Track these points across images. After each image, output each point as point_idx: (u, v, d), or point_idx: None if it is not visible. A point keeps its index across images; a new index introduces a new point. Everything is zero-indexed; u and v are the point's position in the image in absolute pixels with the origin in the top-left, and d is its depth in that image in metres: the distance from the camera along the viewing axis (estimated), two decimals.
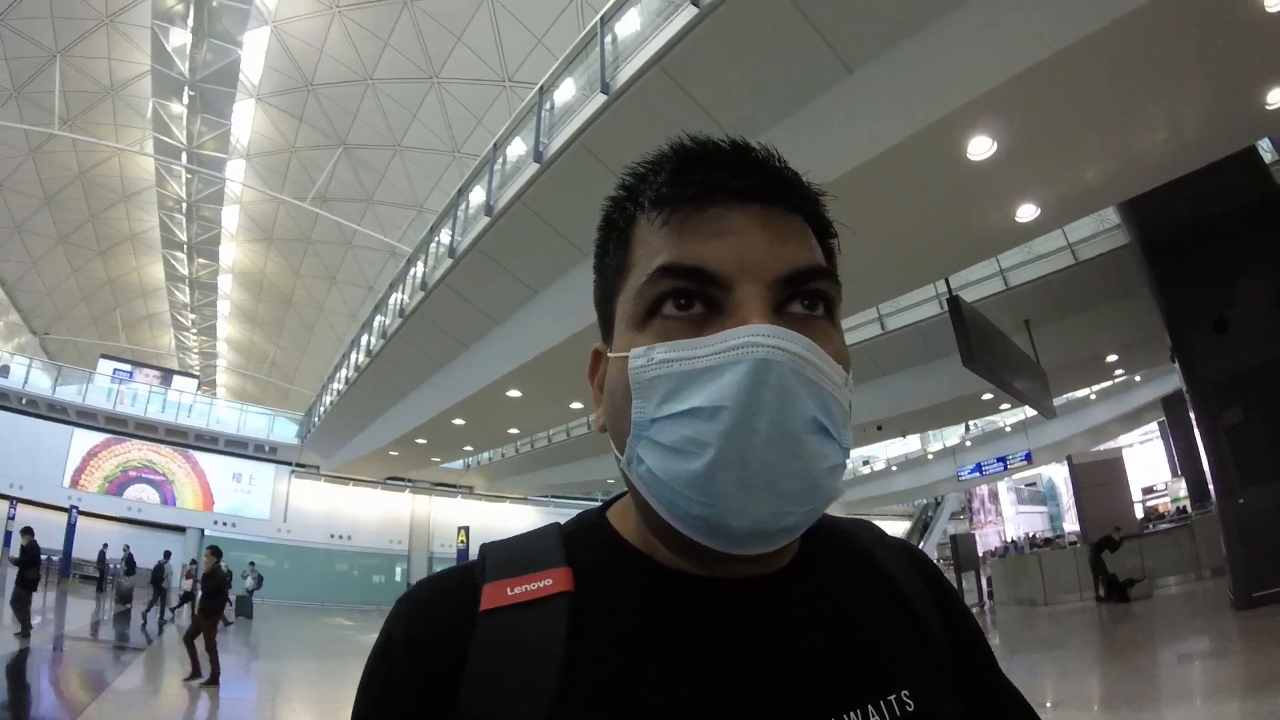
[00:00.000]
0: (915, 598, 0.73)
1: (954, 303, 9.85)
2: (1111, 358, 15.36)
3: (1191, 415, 11.17)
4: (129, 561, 20.51)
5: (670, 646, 0.61)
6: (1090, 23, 5.51)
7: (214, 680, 9.02)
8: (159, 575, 18.38)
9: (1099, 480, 16.75)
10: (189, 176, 32.44)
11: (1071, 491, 18.83)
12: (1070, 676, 8.30)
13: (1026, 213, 7.75)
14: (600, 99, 7.92)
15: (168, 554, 20.71)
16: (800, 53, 6.73)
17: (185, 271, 39.29)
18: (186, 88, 28.32)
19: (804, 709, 0.60)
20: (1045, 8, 5.71)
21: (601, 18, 8.56)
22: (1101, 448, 25.54)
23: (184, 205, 34.65)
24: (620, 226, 0.68)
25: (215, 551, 10.82)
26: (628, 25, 8.21)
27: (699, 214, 0.61)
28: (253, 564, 22.76)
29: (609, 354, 0.67)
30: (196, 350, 48.35)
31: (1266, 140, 10.78)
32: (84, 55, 25.96)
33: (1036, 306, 13.81)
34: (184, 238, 36.52)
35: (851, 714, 0.60)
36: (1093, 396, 24.82)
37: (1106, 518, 15.89)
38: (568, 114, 8.93)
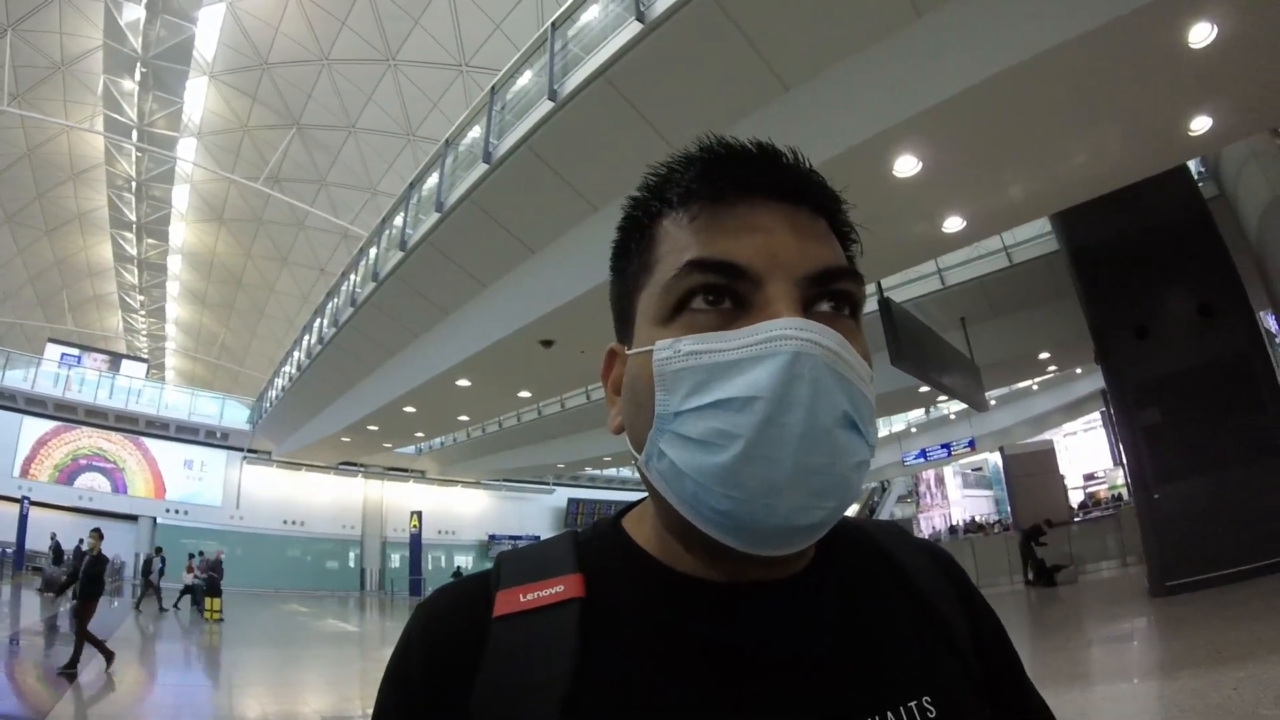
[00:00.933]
0: (938, 601, 0.73)
1: (884, 305, 10.25)
2: (1044, 355, 15.96)
3: (1111, 415, 11.73)
4: (56, 550, 20.36)
5: (683, 650, 0.61)
6: (1016, 54, 5.88)
7: (107, 661, 8.83)
8: (148, 569, 19.22)
9: (1031, 470, 17.42)
10: (139, 155, 31.77)
11: (1004, 481, 19.49)
12: None
13: (953, 224, 8.17)
14: (547, 105, 8.14)
15: (159, 549, 20.90)
16: (740, 70, 7.01)
17: (134, 252, 38.57)
18: (139, 64, 27.73)
19: (821, 715, 0.60)
20: (972, 39, 6.06)
21: (553, 23, 8.76)
22: (1035, 439, 26.43)
23: (134, 184, 33.98)
24: (644, 224, 0.68)
25: (98, 534, 10.38)
26: (577, 36, 8.44)
27: (728, 210, 0.62)
28: (202, 553, 22.08)
29: (628, 351, 0.67)
30: (145, 333, 47.48)
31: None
32: (35, 29, 25.33)
33: (972, 305, 14.36)
34: (133, 217, 35.81)
35: None
36: (1035, 387, 25.61)
37: (1037, 506, 16.57)
38: (518, 116, 9.12)
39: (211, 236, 36.01)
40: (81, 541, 14.40)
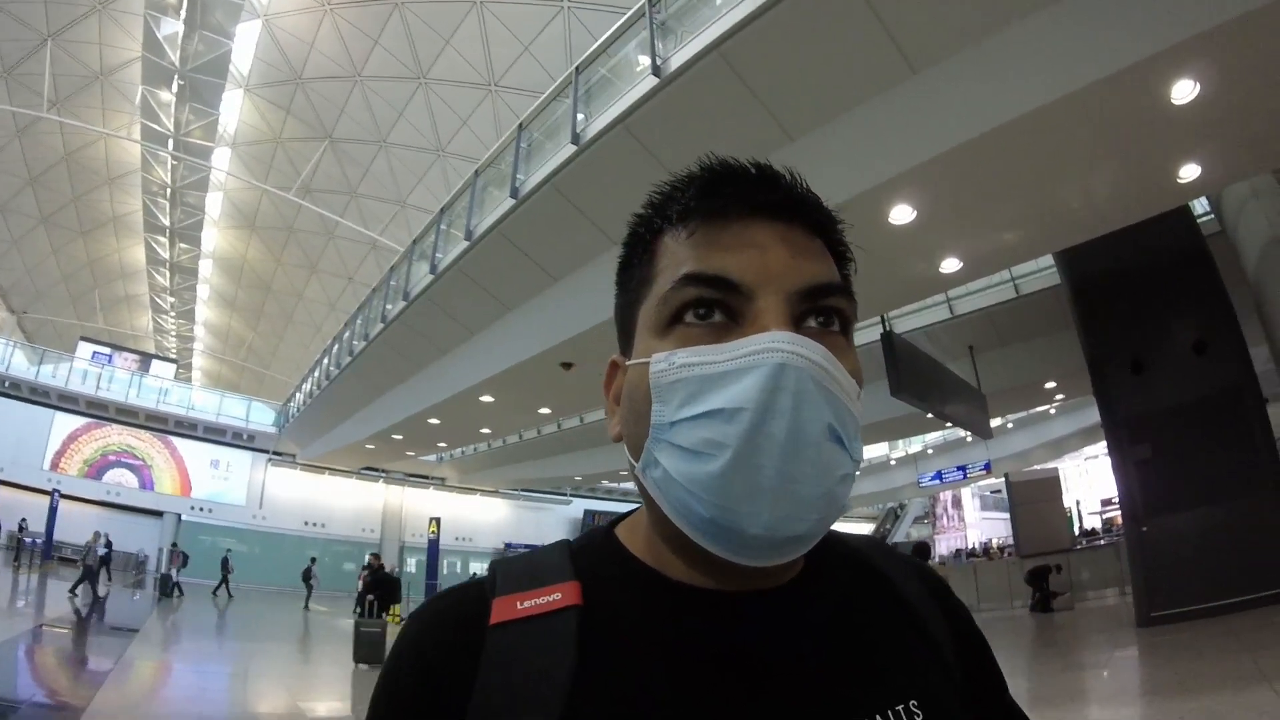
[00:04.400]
0: (923, 613, 0.74)
1: (886, 338, 10.70)
2: (1050, 384, 16.30)
3: (1106, 448, 12.05)
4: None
5: (677, 658, 0.62)
6: (1005, 113, 6.34)
7: None
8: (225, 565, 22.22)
9: (1035, 498, 17.62)
10: (175, 163, 32.69)
11: (1009, 508, 19.70)
12: None
13: (950, 265, 8.64)
14: (571, 148, 8.72)
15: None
16: (746, 121, 7.53)
17: (166, 255, 39.56)
18: (176, 76, 28.64)
19: (812, 718, 0.61)
20: (963, 97, 6.54)
21: (576, 67, 9.33)
22: (1044, 465, 26.50)
23: (168, 190, 34.94)
24: (646, 240, 0.70)
25: (96, 534, 11.99)
26: (599, 83, 9.01)
27: (724, 227, 0.63)
28: (175, 545, 23.42)
29: (628, 363, 0.69)
30: (174, 333, 48.52)
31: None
32: (75, 40, 26.27)
33: (980, 334, 14.76)
34: (167, 222, 36.78)
35: None
36: (1052, 411, 25.68)
37: (1042, 533, 16.82)
38: (543, 153, 9.72)
39: (243, 243, 36.78)
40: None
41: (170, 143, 30.83)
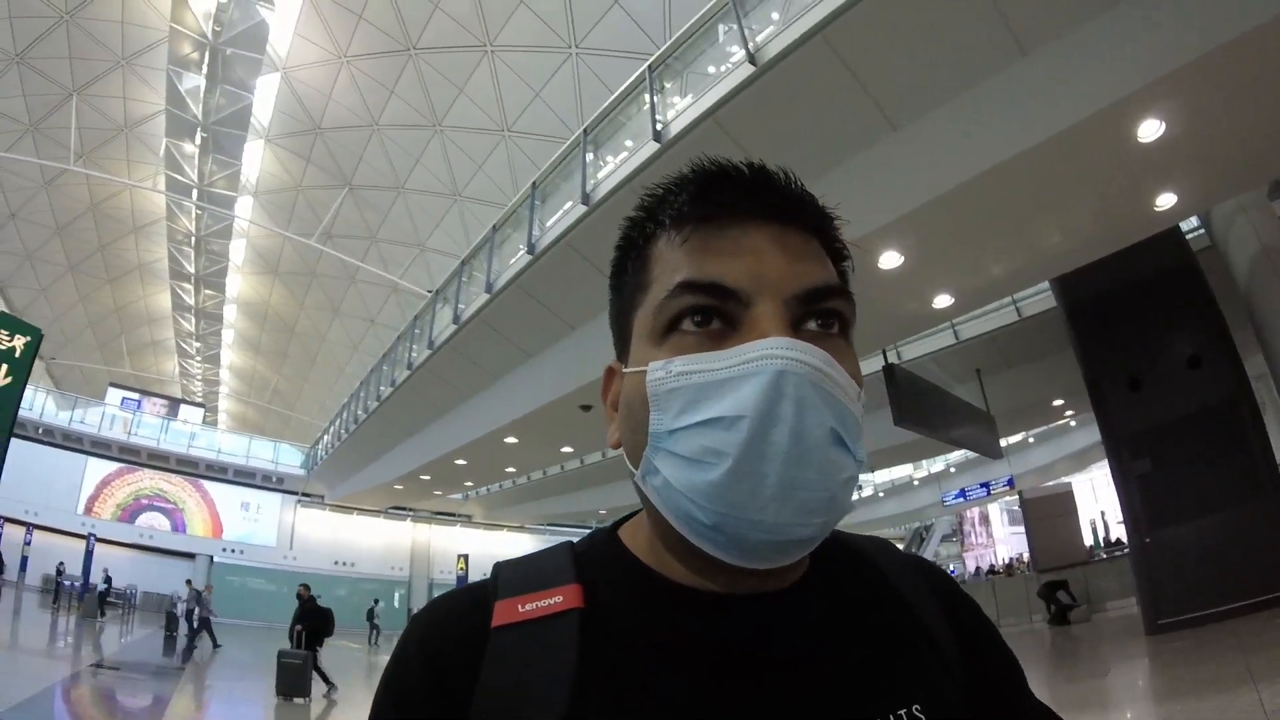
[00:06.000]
0: (926, 614, 0.74)
1: (889, 371, 11.15)
2: (1058, 402, 16.66)
3: (1108, 463, 12.39)
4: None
5: (679, 659, 0.62)
6: (981, 164, 6.85)
7: None
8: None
9: (1050, 513, 17.83)
10: (199, 212, 33.63)
11: (1024, 524, 19.86)
12: None
13: (942, 301, 9.15)
14: (582, 208, 9.34)
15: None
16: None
17: (191, 301, 40.46)
18: (199, 129, 29.63)
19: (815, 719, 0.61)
20: (941, 151, 7.07)
21: (585, 129, 9.97)
22: (1057, 481, 26.50)
23: (193, 239, 35.85)
24: (639, 245, 0.69)
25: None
26: (606, 144, 9.64)
27: (718, 232, 0.63)
28: (188, 581, 22.46)
29: (625, 370, 0.68)
30: (200, 377, 49.35)
31: None
32: (100, 94, 27.40)
33: (986, 357, 15.19)
34: (191, 270, 37.71)
35: None
36: (1073, 424, 25.70)
37: (1057, 548, 17.05)
38: (558, 211, 10.34)
39: (266, 288, 37.48)
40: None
41: (194, 193, 31.77)
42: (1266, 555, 9.70)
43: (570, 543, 0.75)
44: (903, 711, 0.63)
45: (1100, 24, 6.18)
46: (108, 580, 22.14)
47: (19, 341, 8.30)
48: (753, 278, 0.61)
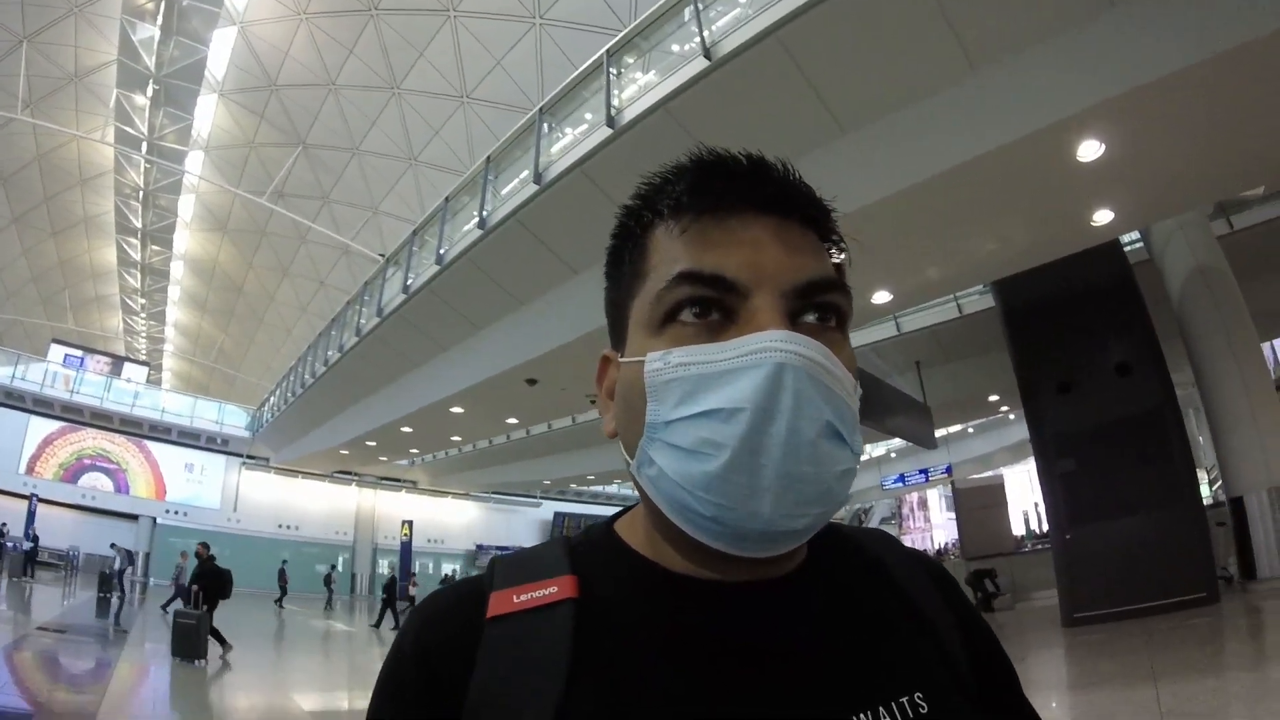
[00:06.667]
0: (927, 604, 0.73)
1: None
2: (994, 397, 17.19)
3: (1033, 461, 12.83)
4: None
5: (675, 646, 0.62)
6: (920, 174, 7.11)
7: None
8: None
9: (981, 503, 18.38)
10: (147, 166, 32.75)
11: (955, 513, 20.46)
12: None
13: (881, 297, 9.43)
14: (533, 187, 9.38)
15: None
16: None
17: (138, 257, 39.49)
18: (151, 81, 28.83)
19: (812, 709, 0.60)
20: (883, 158, 7.27)
21: (540, 109, 10.00)
22: (992, 472, 27.31)
23: (141, 193, 34.95)
24: (637, 233, 0.68)
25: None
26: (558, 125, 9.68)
27: (718, 223, 0.62)
28: (113, 545, 21.96)
29: (621, 359, 0.68)
30: (144, 334, 48.29)
31: None
32: (51, 42, 26.40)
33: (926, 350, 15.59)
34: (138, 224, 36.79)
35: (862, 715, 0.61)
36: (1012, 416, 26.40)
37: (986, 537, 17.64)
38: (510, 191, 10.37)
39: (214, 245, 36.89)
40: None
41: (144, 146, 30.89)
42: (1182, 558, 10.11)
43: (566, 537, 0.75)
44: (904, 700, 0.63)
45: (1048, 47, 6.42)
46: (34, 539, 21.71)
47: None
48: (752, 270, 0.61)
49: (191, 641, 10.04)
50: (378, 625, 18.89)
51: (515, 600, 0.65)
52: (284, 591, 24.02)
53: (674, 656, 0.61)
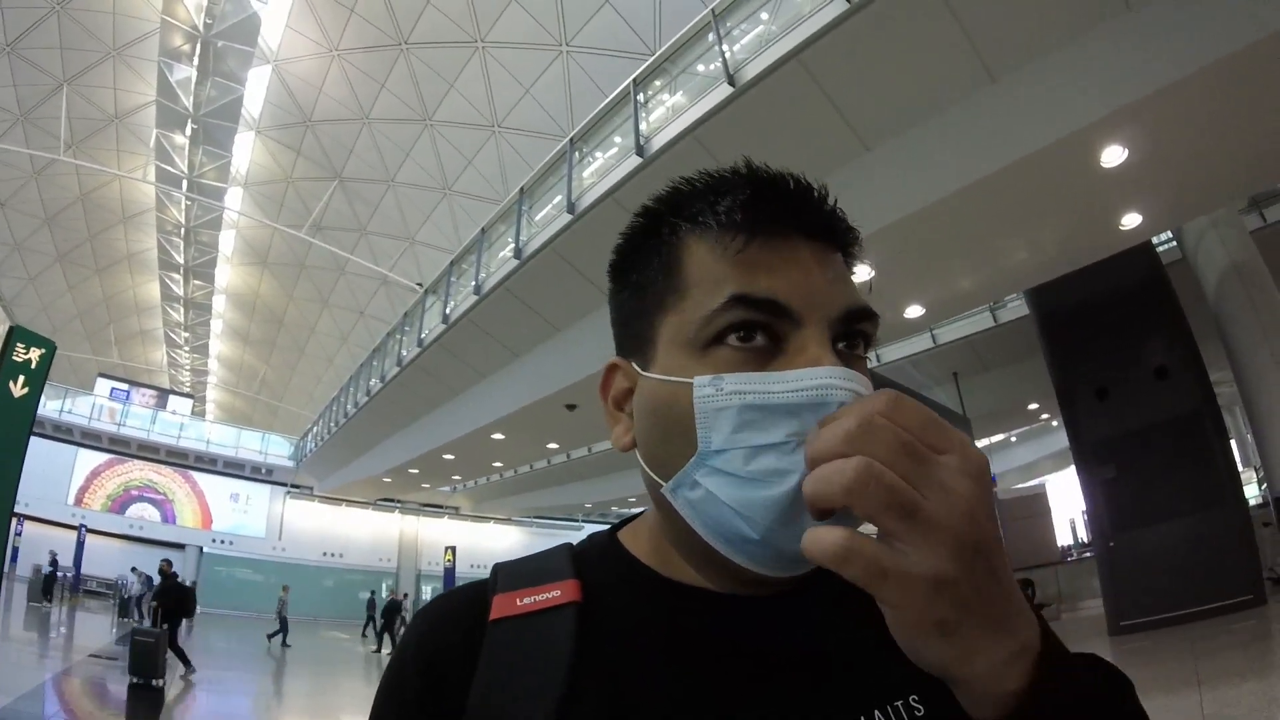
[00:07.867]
0: None
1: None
2: (1033, 405, 17.06)
3: (1074, 469, 12.71)
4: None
5: (676, 650, 0.62)
6: (947, 187, 7.15)
7: None
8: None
9: (1023, 514, 18.16)
10: (188, 203, 33.50)
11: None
12: None
13: (914, 312, 9.48)
14: (567, 216, 9.62)
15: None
16: None
17: (180, 292, 40.29)
18: (189, 120, 29.61)
19: (811, 711, 0.61)
20: (911, 173, 7.37)
21: (571, 140, 10.25)
22: (1034, 481, 26.94)
23: (182, 230, 35.69)
24: (670, 242, 0.67)
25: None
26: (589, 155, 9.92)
27: (770, 246, 0.62)
28: (134, 569, 22.44)
29: (651, 375, 0.65)
30: (188, 368, 49.13)
31: None
32: (91, 84, 27.39)
33: (963, 361, 15.55)
34: (181, 260, 37.56)
35: (859, 719, 0.61)
36: (1054, 423, 26.03)
37: (1031, 547, 17.39)
38: (544, 219, 10.63)
39: (255, 279, 37.48)
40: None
41: (184, 183, 31.62)
42: (1225, 562, 10.00)
43: (570, 544, 0.76)
44: (899, 703, 0.63)
45: (1065, 55, 6.45)
46: (54, 563, 21.70)
47: (35, 354, 8.58)
48: (803, 296, 0.60)
49: (149, 660, 9.68)
50: (378, 650, 19.10)
51: (518, 603, 0.66)
52: (370, 620, 23.27)
53: (676, 660, 0.62)
